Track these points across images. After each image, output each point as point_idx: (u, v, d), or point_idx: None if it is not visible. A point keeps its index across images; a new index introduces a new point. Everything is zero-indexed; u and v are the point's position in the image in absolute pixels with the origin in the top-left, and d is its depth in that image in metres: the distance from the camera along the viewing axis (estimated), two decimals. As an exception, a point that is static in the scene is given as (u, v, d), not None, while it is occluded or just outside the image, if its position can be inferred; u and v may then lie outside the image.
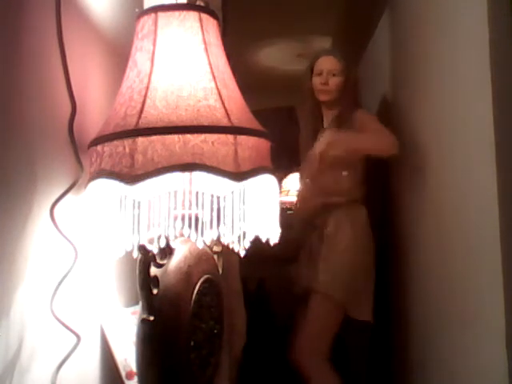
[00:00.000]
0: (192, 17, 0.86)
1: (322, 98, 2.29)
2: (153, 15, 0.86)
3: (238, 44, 2.95)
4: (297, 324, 2.21)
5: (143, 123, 0.77)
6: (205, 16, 0.88)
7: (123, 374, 1.03)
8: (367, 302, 2.13)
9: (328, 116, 2.33)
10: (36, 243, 0.80)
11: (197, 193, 0.81)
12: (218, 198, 0.82)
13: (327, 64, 2.27)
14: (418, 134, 2.01)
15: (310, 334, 2.11)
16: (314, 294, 2.13)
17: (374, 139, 2.11)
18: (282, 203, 3.30)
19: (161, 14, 0.86)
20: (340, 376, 2.10)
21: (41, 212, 0.82)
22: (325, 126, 2.32)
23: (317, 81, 2.28)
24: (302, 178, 2.45)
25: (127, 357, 1.05)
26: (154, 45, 0.84)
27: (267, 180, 0.85)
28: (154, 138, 0.76)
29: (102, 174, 0.78)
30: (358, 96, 2.35)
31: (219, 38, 0.90)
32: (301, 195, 2.44)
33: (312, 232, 2.27)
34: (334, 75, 2.25)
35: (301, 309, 2.20)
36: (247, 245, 0.85)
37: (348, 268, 2.09)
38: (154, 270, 0.91)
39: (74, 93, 0.90)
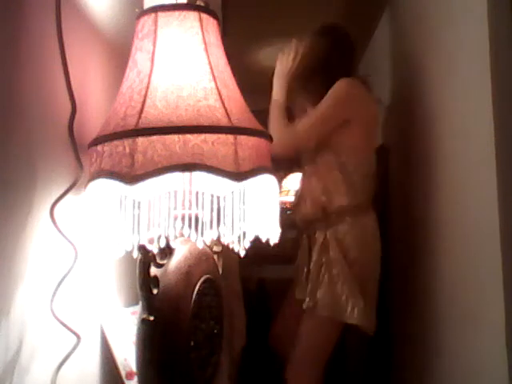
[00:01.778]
0: (192, 17, 0.86)
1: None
2: (153, 15, 0.86)
3: (238, 44, 2.95)
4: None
5: (143, 123, 0.77)
6: (205, 16, 0.88)
7: (123, 373, 1.03)
8: (371, 312, 1.89)
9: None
10: (36, 243, 0.80)
11: (197, 193, 0.81)
12: (218, 197, 0.82)
13: None
14: (418, 133, 2.01)
15: (305, 354, 1.91)
16: (311, 312, 1.89)
17: (280, 128, 1.91)
18: (281, 203, 3.31)
19: (161, 14, 0.86)
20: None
21: (41, 212, 0.82)
22: None
23: None
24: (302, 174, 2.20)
25: (127, 357, 1.05)
26: (154, 45, 0.84)
27: (267, 180, 0.85)
28: (154, 138, 0.76)
29: (102, 174, 0.78)
30: (314, 67, 2.05)
31: (219, 38, 0.90)
32: (298, 196, 2.17)
33: (310, 239, 2.03)
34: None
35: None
36: (247, 245, 0.85)
37: (353, 286, 1.84)
38: (154, 270, 0.91)
39: (74, 93, 0.90)
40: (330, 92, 1.93)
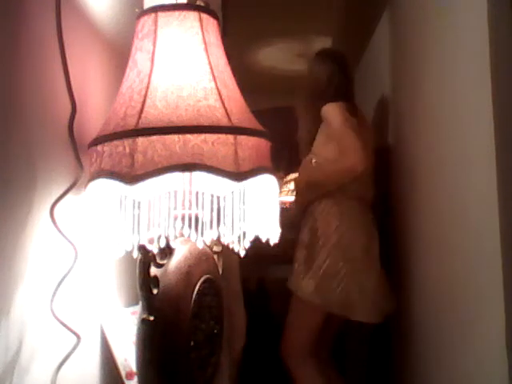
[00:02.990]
0: (192, 17, 0.86)
1: None
2: (153, 15, 0.86)
3: (238, 44, 2.95)
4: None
5: (143, 123, 0.77)
6: (205, 16, 0.88)
7: (123, 373, 1.03)
8: (368, 303, 2.06)
9: None
10: (36, 243, 0.80)
11: (197, 193, 0.81)
12: (218, 197, 0.82)
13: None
14: (418, 133, 2.01)
15: (290, 334, 2.13)
16: (297, 297, 2.10)
17: (332, 169, 2.10)
18: (281, 203, 3.31)
19: (161, 14, 0.86)
20: (326, 374, 2.10)
21: (41, 212, 0.82)
22: None
23: None
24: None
25: (127, 357, 1.05)
26: (154, 45, 0.84)
27: (267, 180, 0.85)
28: (154, 138, 0.76)
29: (102, 174, 0.78)
30: (317, 90, 2.27)
31: (219, 38, 0.90)
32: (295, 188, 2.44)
33: (302, 226, 2.22)
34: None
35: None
36: (247, 245, 0.85)
37: (334, 271, 2.01)
38: (154, 270, 0.91)
39: (74, 93, 0.90)
40: (327, 117, 2.13)
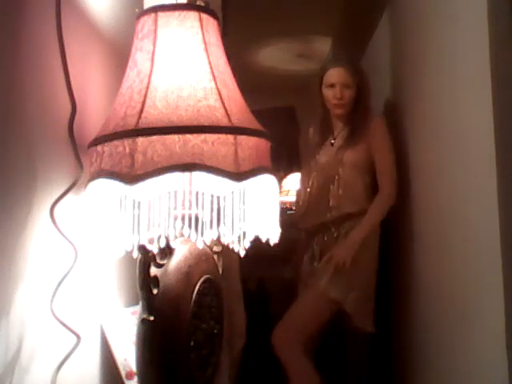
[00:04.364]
0: (192, 17, 0.86)
1: (337, 111, 2.24)
2: (153, 15, 0.86)
3: (238, 44, 2.95)
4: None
5: (143, 123, 0.77)
6: (205, 16, 0.88)
7: (123, 373, 1.03)
8: (370, 312, 2.14)
9: (337, 126, 2.30)
10: (36, 243, 0.80)
11: (197, 193, 0.81)
12: (218, 197, 0.82)
13: (340, 77, 2.20)
14: (418, 133, 2.01)
15: (293, 323, 2.14)
16: (311, 289, 2.16)
17: (376, 215, 2.16)
18: (282, 203, 3.31)
19: (161, 14, 0.86)
20: (318, 371, 2.10)
21: (41, 212, 0.82)
22: (334, 135, 2.31)
23: (329, 94, 2.21)
24: (303, 185, 2.40)
25: (127, 357, 1.05)
26: (154, 45, 0.84)
27: (267, 180, 0.85)
28: (154, 138, 0.76)
29: (102, 174, 0.78)
30: (369, 102, 2.31)
31: (219, 38, 0.90)
32: (305, 205, 2.36)
33: (322, 235, 2.26)
34: (347, 88, 2.20)
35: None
36: (247, 245, 0.85)
37: (353, 272, 2.10)
38: (154, 270, 0.91)
39: (74, 93, 0.90)
40: (380, 134, 2.19)
